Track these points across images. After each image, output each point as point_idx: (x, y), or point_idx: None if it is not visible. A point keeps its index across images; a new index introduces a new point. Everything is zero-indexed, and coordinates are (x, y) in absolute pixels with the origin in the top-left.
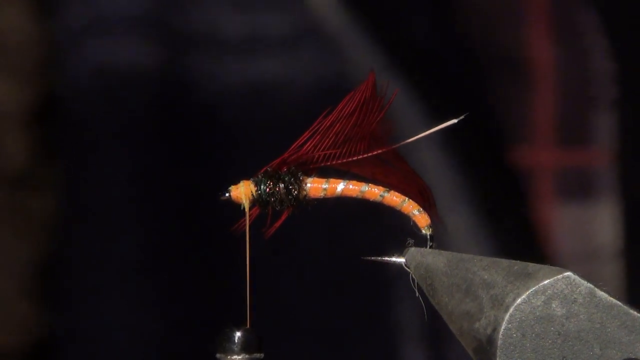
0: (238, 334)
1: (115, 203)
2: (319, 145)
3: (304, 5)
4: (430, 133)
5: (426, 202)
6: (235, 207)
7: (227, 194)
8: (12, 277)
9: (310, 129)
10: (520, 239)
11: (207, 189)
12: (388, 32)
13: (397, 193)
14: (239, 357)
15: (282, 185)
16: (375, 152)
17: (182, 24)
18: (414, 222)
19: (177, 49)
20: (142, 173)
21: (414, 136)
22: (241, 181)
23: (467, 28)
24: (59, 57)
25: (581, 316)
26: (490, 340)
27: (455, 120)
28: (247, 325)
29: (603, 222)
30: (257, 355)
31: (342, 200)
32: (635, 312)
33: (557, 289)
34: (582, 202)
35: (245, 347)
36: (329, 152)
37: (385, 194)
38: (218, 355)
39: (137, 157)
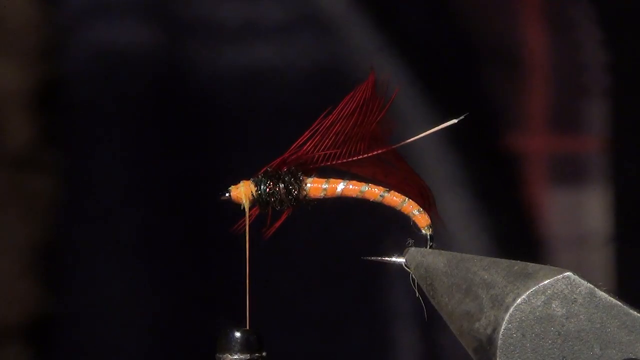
0: (237, 334)
1: (116, 185)
2: (319, 145)
3: None
4: (430, 133)
5: (426, 203)
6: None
7: (227, 194)
8: (13, 257)
9: (310, 128)
10: (513, 224)
11: (207, 173)
12: (385, 18)
13: (397, 193)
14: (238, 357)
15: (282, 185)
16: (376, 152)
17: (182, 8)
18: (414, 222)
19: (177, 33)
20: (142, 156)
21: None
22: (241, 181)
23: (462, 16)
24: (60, 40)
25: (581, 316)
26: (490, 340)
27: (455, 121)
28: (246, 326)
29: (594, 208)
30: (257, 354)
31: (342, 201)
32: (635, 312)
33: (557, 289)
34: (573, 188)
35: (244, 348)
36: (329, 152)
37: (386, 194)
38: (217, 355)
39: (137, 140)
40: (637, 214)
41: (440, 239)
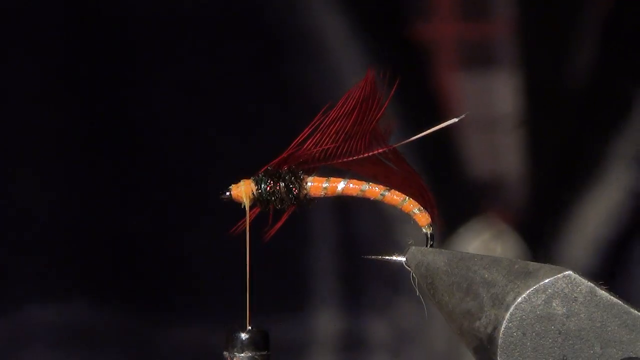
0: (242, 334)
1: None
2: (319, 144)
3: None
4: (430, 133)
5: (427, 203)
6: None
7: (227, 193)
8: None
9: (310, 126)
10: (424, 111)
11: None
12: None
13: (397, 192)
14: (244, 356)
15: (282, 184)
16: (376, 152)
17: None
18: (414, 220)
19: None
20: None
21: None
22: (242, 180)
23: None
24: None
25: (581, 315)
26: (491, 339)
27: (456, 120)
28: (249, 325)
29: (505, 92)
30: (263, 353)
31: (342, 200)
32: (636, 311)
33: (558, 288)
34: (483, 72)
35: (250, 346)
36: (329, 146)
37: (386, 193)
38: (224, 353)
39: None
40: (546, 96)
41: None
